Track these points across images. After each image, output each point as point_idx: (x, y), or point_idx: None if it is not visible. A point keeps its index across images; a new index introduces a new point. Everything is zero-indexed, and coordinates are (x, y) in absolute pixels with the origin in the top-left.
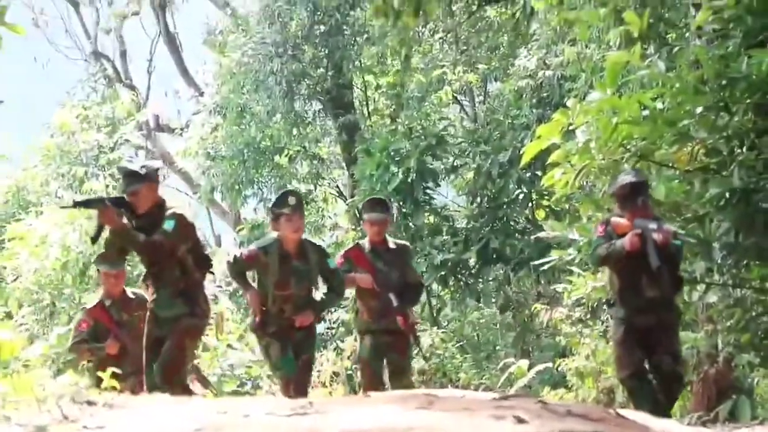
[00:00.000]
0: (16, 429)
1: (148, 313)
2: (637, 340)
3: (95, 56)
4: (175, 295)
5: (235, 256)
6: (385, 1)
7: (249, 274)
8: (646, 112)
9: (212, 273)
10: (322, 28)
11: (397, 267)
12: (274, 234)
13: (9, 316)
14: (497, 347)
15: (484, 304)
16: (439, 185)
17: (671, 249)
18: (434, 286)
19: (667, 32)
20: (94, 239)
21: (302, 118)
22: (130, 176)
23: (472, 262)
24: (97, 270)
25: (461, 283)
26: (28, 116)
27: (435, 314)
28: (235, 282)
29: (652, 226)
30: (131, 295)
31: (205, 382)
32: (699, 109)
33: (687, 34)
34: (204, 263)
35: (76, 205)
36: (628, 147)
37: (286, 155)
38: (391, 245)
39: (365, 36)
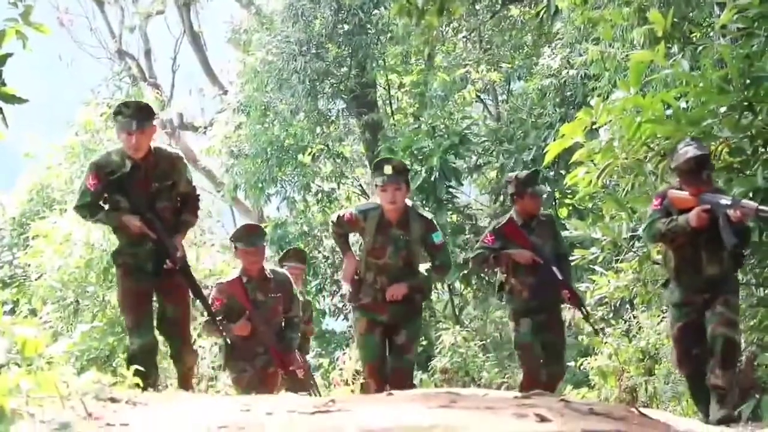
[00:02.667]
0: (40, 426)
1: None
2: (694, 337)
3: (120, 55)
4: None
5: (338, 215)
6: (409, 1)
7: (352, 240)
8: (669, 111)
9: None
10: (346, 26)
11: (548, 239)
12: (378, 200)
13: (33, 313)
14: None
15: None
16: (462, 184)
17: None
18: (457, 284)
19: (692, 31)
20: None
21: (325, 116)
22: (144, 111)
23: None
24: (234, 247)
25: (484, 281)
26: (53, 115)
27: (457, 313)
28: (336, 244)
29: (725, 201)
30: (269, 275)
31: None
32: (723, 109)
33: (711, 33)
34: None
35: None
36: (652, 146)
37: (309, 154)
38: (540, 217)
39: (389, 35)
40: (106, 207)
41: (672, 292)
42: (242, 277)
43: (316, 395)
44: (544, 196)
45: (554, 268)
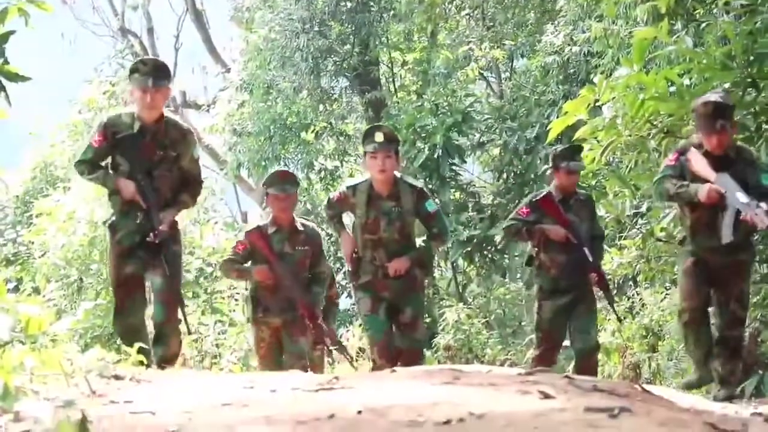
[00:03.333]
0: (44, 403)
1: None
2: (706, 276)
3: (122, 33)
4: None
5: (329, 198)
6: None
7: (347, 221)
8: (673, 88)
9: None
10: (349, 4)
11: (585, 218)
12: (368, 174)
13: (37, 291)
14: (523, 323)
15: (509, 280)
16: (465, 162)
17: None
18: (460, 262)
19: (695, 8)
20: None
21: (328, 94)
22: (161, 70)
23: (498, 238)
24: (266, 193)
25: (487, 259)
26: (56, 93)
27: (461, 290)
28: (331, 227)
29: (743, 198)
30: (300, 227)
31: (342, 349)
32: (726, 85)
33: (714, 10)
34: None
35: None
36: (655, 123)
37: (312, 131)
38: (579, 195)
39: (392, 12)
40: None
41: (688, 245)
42: (270, 226)
43: (347, 358)
44: (581, 171)
45: (586, 250)
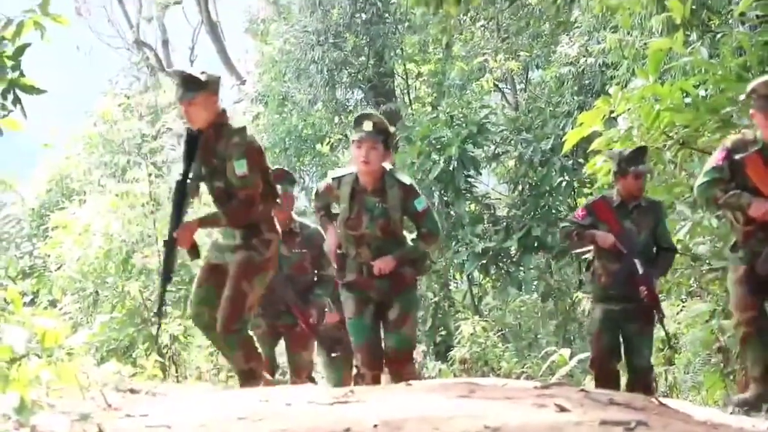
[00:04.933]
0: (60, 417)
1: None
2: (760, 284)
3: (138, 45)
4: (236, 228)
5: (316, 188)
6: None
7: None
8: (688, 100)
9: (277, 203)
10: (364, 16)
11: (646, 227)
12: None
13: (53, 304)
14: (539, 336)
15: (525, 293)
16: (481, 173)
17: None
18: (475, 274)
19: (710, 19)
20: (193, 256)
21: (344, 106)
22: (188, 82)
23: (513, 250)
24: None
25: (503, 271)
26: (71, 105)
27: (476, 303)
28: (317, 219)
29: None
30: (297, 228)
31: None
32: (742, 96)
33: (730, 21)
34: (270, 194)
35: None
36: (671, 134)
37: (327, 143)
38: (643, 202)
39: (407, 24)
40: None
41: (739, 251)
42: None
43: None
44: (649, 176)
45: (637, 261)
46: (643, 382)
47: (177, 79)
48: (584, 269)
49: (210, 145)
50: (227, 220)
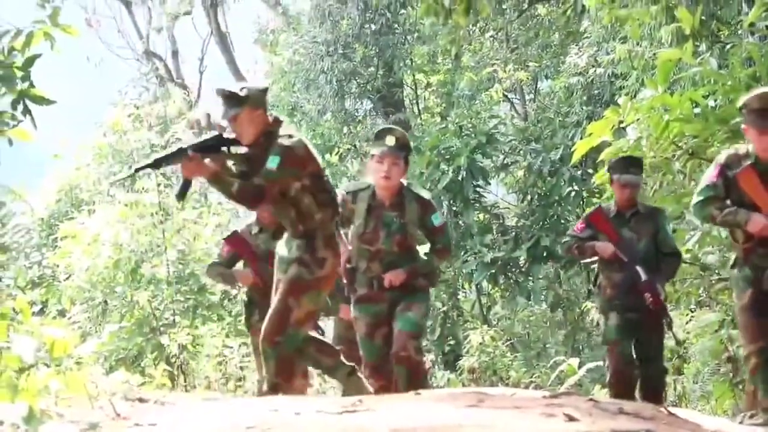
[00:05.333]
0: (69, 426)
1: None
2: (766, 304)
3: (147, 55)
4: (294, 237)
5: None
6: (436, 0)
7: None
8: (697, 110)
9: (338, 213)
10: (373, 26)
11: (645, 234)
12: (371, 178)
13: (62, 313)
14: (547, 345)
15: (534, 302)
16: (490, 183)
17: None
18: (484, 284)
19: (720, 29)
20: (181, 195)
21: (353, 116)
22: (228, 99)
23: (522, 260)
24: None
25: (511, 281)
26: (81, 116)
27: (485, 312)
28: None
29: None
30: None
31: None
32: None
33: (739, 31)
34: (328, 203)
35: (156, 164)
36: (680, 145)
37: (336, 154)
38: (641, 209)
39: (416, 34)
40: None
41: (740, 271)
42: (254, 226)
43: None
44: (637, 185)
45: (639, 268)
46: (654, 388)
47: (220, 96)
48: (592, 282)
49: (259, 159)
50: (235, 192)
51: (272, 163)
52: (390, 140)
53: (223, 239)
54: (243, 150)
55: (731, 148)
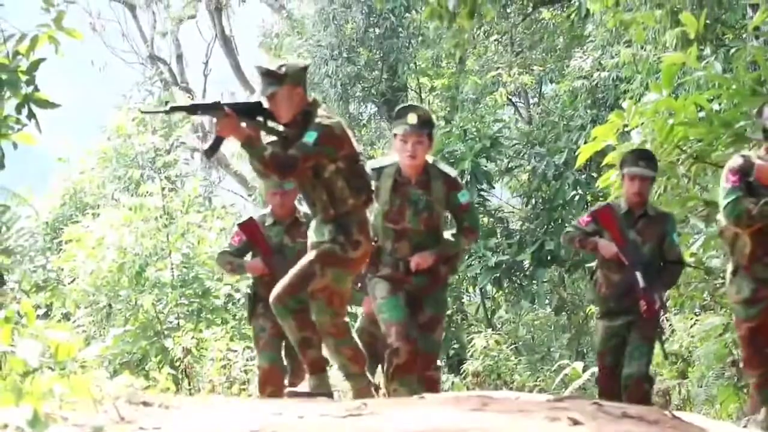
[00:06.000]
0: (73, 429)
1: None
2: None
3: (152, 59)
4: (325, 222)
5: None
6: (440, 4)
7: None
8: (702, 114)
9: (371, 200)
10: (377, 30)
11: (651, 238)
12: (396, 156)
13: (66, 317)
14: (552, 349)
15: (538, 306)
16: (494, 187)
17: None
18: (488, 287)
19: (724, 33)
20: (211, 151)
21: (357, 120)
22: (266, 76)
23: (526, 263)
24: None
25: (516, 284)
26: (86, 119)
27: (489, 316)
28: None
29: None
30: (303, 219)
31: None
32: (756, 111)
33: (744, 35)
34: (362, 189)
35: (192, 109)
36: (684, 149)
37: None
38: (651, 212)
39: (420, 38)
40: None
41: (739, 287)
42: (268, 218)
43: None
44: (646, 178)
45: (638, 274)
46: (637, 392)
47: (260, 74)
48: (588, 277)
49: (295, 138)
50: (267, 157)
51: (309, 137)
52: (412, 118)
53: (237, 224)
54: (280, 128)
55: (739, 157)
